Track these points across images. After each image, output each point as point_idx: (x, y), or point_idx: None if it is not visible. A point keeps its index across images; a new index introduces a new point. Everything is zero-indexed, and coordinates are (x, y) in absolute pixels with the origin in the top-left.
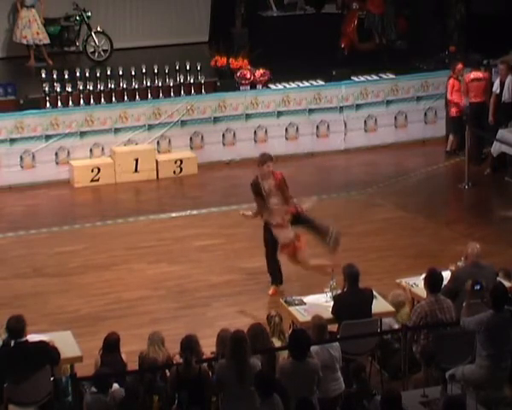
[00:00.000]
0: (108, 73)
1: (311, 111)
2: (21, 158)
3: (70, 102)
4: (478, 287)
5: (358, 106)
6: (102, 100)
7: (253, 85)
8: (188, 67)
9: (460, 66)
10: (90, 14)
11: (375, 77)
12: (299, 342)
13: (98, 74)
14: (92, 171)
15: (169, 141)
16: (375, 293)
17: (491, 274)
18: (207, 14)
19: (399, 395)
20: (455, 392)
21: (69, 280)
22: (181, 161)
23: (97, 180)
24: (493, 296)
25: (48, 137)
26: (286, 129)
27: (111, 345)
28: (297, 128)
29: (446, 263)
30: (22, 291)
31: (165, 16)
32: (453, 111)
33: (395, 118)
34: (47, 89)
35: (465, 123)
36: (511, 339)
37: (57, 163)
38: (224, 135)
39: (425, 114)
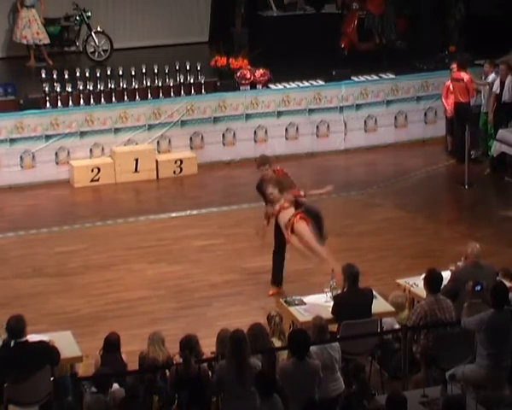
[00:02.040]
0: (108, 73)
1: (311, 111)
2: (21, 158)
3: (70, 102)
4: (478, 288)
5: (358, 106)
6: (102, 100)
7: (253, 85)
8: (188, 67)
9: (455, 66)
10: (90, 14)
11: (375, 77)
12: (298, 342)
13: (98, 74)
14: (92, 171)
15: (169, 141)
16: (375, 293)
17: (491, 274)
18: (207, 14)
19: (405, 398)
20: (455, 392)
21: (69, 280)
22: (181, 161)
23: (97, 180)
24: (494, 296)
25: (48, 137)
26: (286, 129)
27: (111, 345)
28: (297, 128)
29: (446, 263)
30: (22, 291)
31: (165, 16)
32: (448, 112)
33: (395, 118)
34: (47, 89)
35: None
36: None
37: (57, 163)
38: (223, 135)
39: (425, 114)
